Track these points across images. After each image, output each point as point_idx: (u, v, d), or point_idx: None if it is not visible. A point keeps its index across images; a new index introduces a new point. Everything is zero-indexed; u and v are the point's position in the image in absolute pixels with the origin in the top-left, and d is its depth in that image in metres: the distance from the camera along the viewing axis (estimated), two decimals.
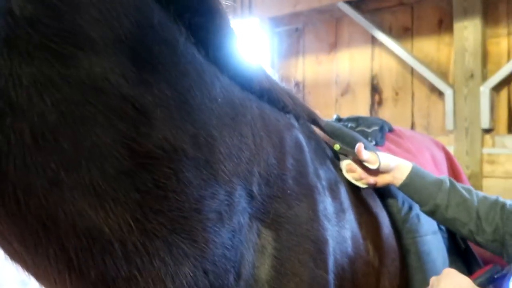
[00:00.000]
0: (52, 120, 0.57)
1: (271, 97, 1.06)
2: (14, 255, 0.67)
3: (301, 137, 1.14)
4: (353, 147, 1.34)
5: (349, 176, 1.34)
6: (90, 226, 0.61)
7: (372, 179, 1.35)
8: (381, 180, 1.36)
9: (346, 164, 1.36)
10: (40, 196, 0.58)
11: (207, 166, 0.75)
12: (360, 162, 1.34)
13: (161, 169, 0.67)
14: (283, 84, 1.21)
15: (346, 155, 1.37)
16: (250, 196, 0.87)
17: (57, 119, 0.57)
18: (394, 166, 1.36)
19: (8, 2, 0.53)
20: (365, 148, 1.37)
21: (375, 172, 1.35)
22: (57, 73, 0.57)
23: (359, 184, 1.35)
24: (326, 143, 1.42)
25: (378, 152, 1.39)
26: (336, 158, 1.40)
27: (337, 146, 1.38)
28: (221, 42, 0.84)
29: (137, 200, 0.64)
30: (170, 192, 0.68)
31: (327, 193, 1.12)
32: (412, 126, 3.64)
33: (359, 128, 1.68)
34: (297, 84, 4.18)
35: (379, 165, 1.32)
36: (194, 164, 0.72)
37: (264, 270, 0.87)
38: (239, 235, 0.82)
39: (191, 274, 0.72)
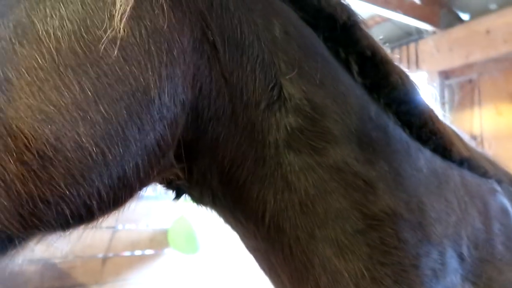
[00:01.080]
0: (312, 192, 0.80)
1: (471, 164, 1.13)
2: (281, 286, 0.91)
3: (505, 202, 1.15)
4: None
5: None
6: (335, 270, 0.80)
7: None
8: None
9: None
10: (304, 246, 0.80)
11: (420, 228, 0.88)
12: None
13: (385, 229, 0.83)
14: (479, 148, 1.25)
15: None
16: (461, 258, 0.94)
17: (315, 192, 0.80)
18: None
19: (287, 118, 0.77)
20: None
21: None
22: (314, 161, 0.80)
23: None
24: None
25: None
26: None
27: None
28: (421, 121, 0.99)
29: (368, 253, 0.81)
30: (393, 249, 0.83)
31: None
32: None
33: None
34: (474, 137, 3.94)
35: None
36: (409, 226, 0.86)
37: None
38: None
39: None
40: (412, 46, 4.91)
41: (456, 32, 4.35)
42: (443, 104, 4.34)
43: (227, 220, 0.86)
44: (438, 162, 1.02)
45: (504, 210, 1.13)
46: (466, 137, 1.22)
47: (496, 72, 3.92)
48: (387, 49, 0.96)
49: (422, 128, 1.00)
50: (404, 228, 0.85)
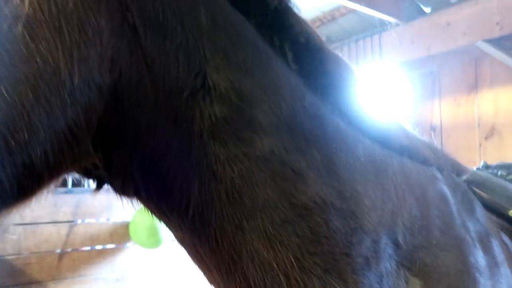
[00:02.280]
0: (238, 183, 0.77)
1: (411, 152, 1.12)
2: (212, 280, 0.89)
3: (445, 189, 1.15)
4: (506, 199, 1.28)
5: None
6: (264, 261, 0.78)
7: None
8: None
9: None
10: (231, 237, 0.78)
11: (353, 216, 0.87)
12: None
13: (314, 219, 0.81)
14: (422, 137, 1.25)
15: None
16: (396, 245, 0.93)
17: (241, 183, 0.77)
18: None
19: (211, 107, 0.74)
20: None
21: None
22: (240, 152, 0.77)
23: None
24: (476, 194, 1.38)
25: None
26: (489, 211, 1.35)
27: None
28: (360, 111, 0.98)
29: (297, 243, 0.79)
30: (323, 238, 0.82)
31: (477, 246, 1.10)
32: None
33: (511, 177, 1.59)
34: (434, 128, 4.03)
35: None
36: (341, 215, 0.85)
37: None
38: (387, 280, 0.88)
39: None
40: (376, 37, 4.96)
41: (418, 24, 4.41)
42: (405, 95, 4.41)
43: (152, 212, 0.83)
44: (377, 151, 1.01)
45: (443, 198, 1.13)
46: (407, 126, 1.22)
47: (455, 65, 4.01)
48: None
49: (360, 117, 0.98)
50: (335, 217, 0.83)
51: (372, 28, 5.05)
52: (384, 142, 1.04)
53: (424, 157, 1.17)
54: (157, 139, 0.72)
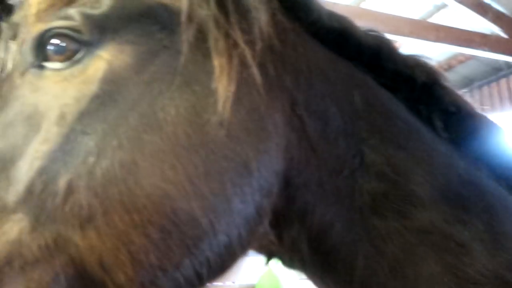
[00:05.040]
0: (400, 257, 0.77)
1: None
2: None
3: None
4: None
5: None
6: None
7: None
8: None
9: None
10: None
11: None
12: None
13: None
14: None
15: None
16: None
17: (403, 256, 0.77)
18: None
19: (370, 184, 0.77)
20: None
21: None
22: (400, 225, 0.78)
23: None
24: None
25: None
26: None
27: None
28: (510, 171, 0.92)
29: None
30: None
31: None
32: None
33: None
34: None
35: None
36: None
37: None
38: None
39: None
40: (503, 82, 4.58)
41: None
42: None
43: (316, 283, 0.86)
44: None
45: None
46: None
47: None
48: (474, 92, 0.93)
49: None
50: None
51: (497, 72, 4.70)
52: None
53: None
54: (322, 216, 0.76)
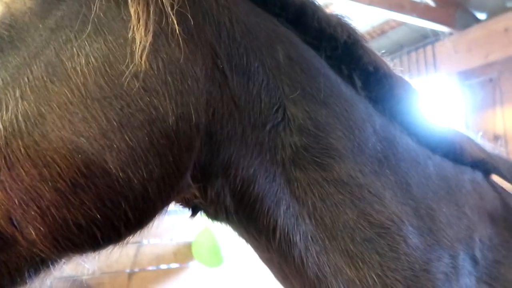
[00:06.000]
0: (319, 206, 0.82)
1: (486, 167, 1.13)
2: None
3: None
4: None
5: None
6: (347, 279, 0.82)
7: None
8: None
9: None
10: (315, 257, 0.82)
11: (430, 233, 0.89)
12: None
13: (393, 236, 0.85)
14: (497, 151, 1.24)
15: None
16: (474, 260, 0.94)
17: (322, 205, 0.82)
18: None
19: (291, 137, 0.81)
20: None
21: None
22: (320, 176, 0.83)
23: None
24: None
25: None
26: None
27: None
28: (428, 129, 1.00)
29: (378, 261, 0.83)
30: (402, 255, 0.85)
31: None
32: None
33: None
34: (497, 138, 3.86)
35: None
36: (418, 232, 0.88)
37: None
38: None
39: None
40: (429, 48, 4.86)
41: (474, 32, 4.28)
42: (464, 105, 4.27)
43: (241, 235, 0.89)
44: (448, 167, 1.03)
45: None
46: (479, 139, 1.21)
47: None
48: (399, 56, 0.98)
49: (429, 135, 1.01)
50: (412, 234, 0.86)
51: (424, 39, 4.96)
52: (455, 158, 1.06)
53: (501, 174, 1.16)
54: (245, 169, 0.78)
